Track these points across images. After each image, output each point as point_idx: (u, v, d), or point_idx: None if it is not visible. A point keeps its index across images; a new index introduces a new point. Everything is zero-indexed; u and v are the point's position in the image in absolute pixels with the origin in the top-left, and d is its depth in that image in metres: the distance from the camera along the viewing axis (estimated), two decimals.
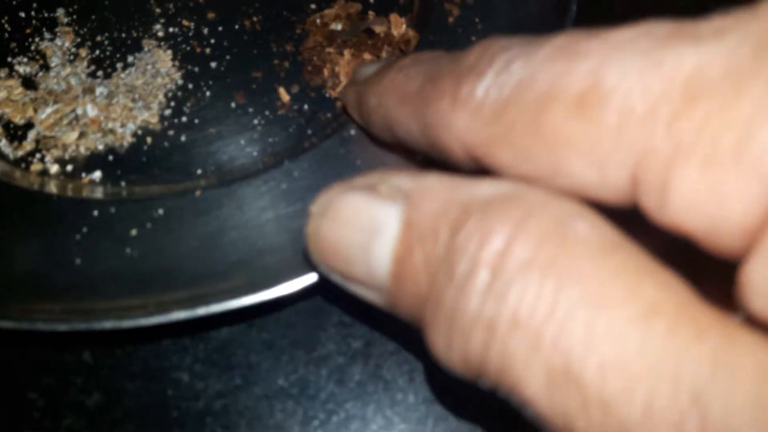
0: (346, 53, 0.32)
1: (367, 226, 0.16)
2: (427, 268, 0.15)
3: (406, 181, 0.16)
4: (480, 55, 0.17)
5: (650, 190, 0.13)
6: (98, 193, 0.28)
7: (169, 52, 0.32)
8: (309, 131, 0.30)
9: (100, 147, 0.29)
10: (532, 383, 0.13)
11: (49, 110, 0.30)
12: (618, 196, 0.14)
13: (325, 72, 0.32)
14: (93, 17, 0.33)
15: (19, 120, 0.30)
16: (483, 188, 0.15)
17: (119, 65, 0.32)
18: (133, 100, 0.30)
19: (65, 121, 0.29)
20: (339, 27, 0.33)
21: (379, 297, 0.17)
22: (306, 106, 0.31)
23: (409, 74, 0.20)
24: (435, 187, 0.15)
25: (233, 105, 0.31)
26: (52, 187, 0.28)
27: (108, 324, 0.22)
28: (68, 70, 0.31)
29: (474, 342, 0.14)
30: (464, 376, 0.15)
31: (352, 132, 0.28)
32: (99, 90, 0.30)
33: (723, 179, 0.12)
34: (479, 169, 0.18)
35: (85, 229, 0.26)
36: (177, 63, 0.32)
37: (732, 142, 0.12)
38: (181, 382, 0.27)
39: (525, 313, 0.13)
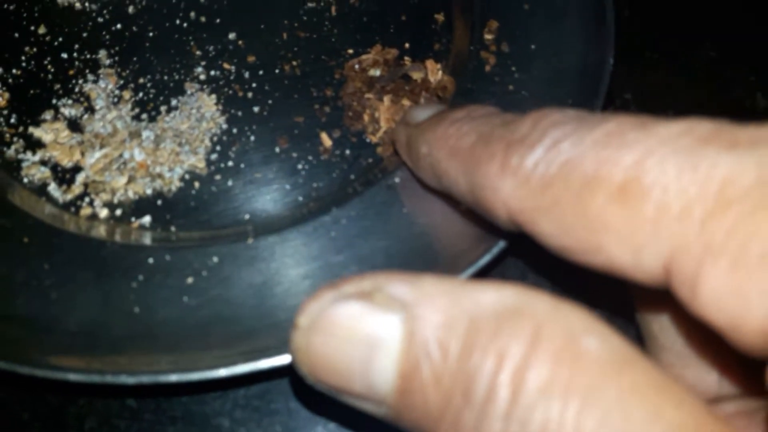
0: (386, 99, 0.32)
1: (365, 340, 0.15)
2: (438, 385, 0.14)
3: (403, 288, 0.15)
4: (532, 126, 0.18)
5: (682, 282, 0.14)
6: (147, 238, 0.29)
7: (213, 96, 0.33)
8: (352, 176, 0.31)
9: (149, 191, 0.30)
10: None
11: (97, 154, 0.30)
12: (651, 279, 0.15)
13: (365, 117, 0.32)
14: (134, 59, 0.34)
15: (66, 163, 0.31)
16: (487, 297, 0.15)
17: (163, 108, 0.32)
18: (180, 145, 0.31)
19: (114, 166, 0.30)
20: (377, 73, 0.33)
21: (379, 410, 0.16)
22: (348, 151, 0.31)
23: (461, 130, 0.21)
24: (435, 295, 0.15)
25: (277, 149, 0.31)
26: (102, 232, 0.28)
27: (173, 377, 0.22)
28: (113, 113, 0.32)
29: None
30: None
31: (397, 180, 0.29)
32: (145, 134, 0.31)
33: (749, 282, 0.13)
34: (518, 230, 0.19)
35: (141, 277, 0.26)
36: (220, 107, 0.32)
37: (759, 247, 0.13)
38: (222, 428, 0.28)
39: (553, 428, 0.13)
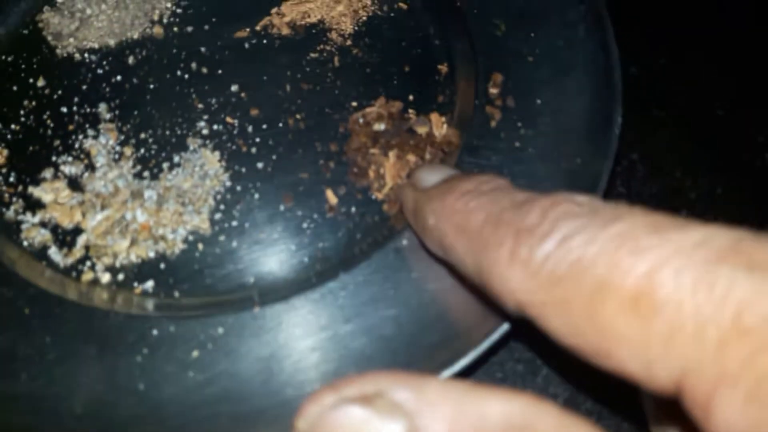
0: (391, 155, 0.32)
1: None
2: None
3: (406, 394, 0.15)
4: (542, 215, 0.18)
5: (694, 403, 0.14)
6: (150, 305, 0.28)
7: (217, 152, 0.32)
8: (358, 235, 0.30)
9: (151, 254, 0.29)
10: None
11: (99, 217, 0.30)
12: (662, 390, 0.15)
13: (371, 173, 0.32)
14: (135, 113, 0.33)
15: (67, 224, 0.30)
16: (494, 409, 0.15)
17: (165, 165, 0.32)
18: (183, 204, 0.30)
19: (116, 229, 0.29)
20: (381, 127, 0.33)
21: None
22: (353, 209, 0.31)
23: (469, 206, 0.21)
24: (440, 403, 0.15)
25: (282, 207, 0.31)
26: (105, 299, 0.28)
27: None
28: (115, 171, 0.31)
29: None
30: None
31: (404, 242, 0.29)
32: (147, 193, 0.31)
33: (765, 418, 0.13)
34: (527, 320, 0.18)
35: (145, 350, 0.26)
36: (224, 163, 0.32)
37: None
38: None
39: None
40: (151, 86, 0.34)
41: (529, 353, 0.30)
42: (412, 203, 0.25)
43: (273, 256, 0.30)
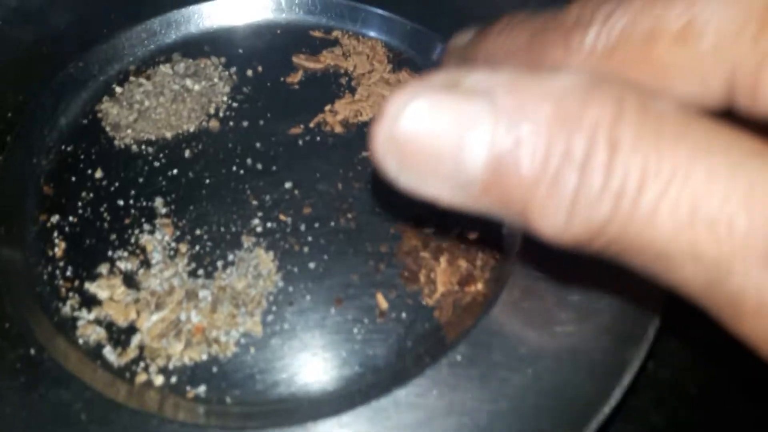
0: (442, 260, 0.32)
1: (457, 122, 0.16)
2: (535, 155, 0.16)
3: (484, 78, 0.17)
4: (581, 11, 0.20)
5: (743, 91, 0.16)
6: (201, 410, 0.28)
7: (270, 252, 0.32)
8: (409, 343, 0.30)
9: (204, 357, 0.30)
10: (662, 229, 0.15)
11: (154, 318, 0.30)
12: (716, 100, 0.17)
13: (422, 278, 0.32)
14: (191, 208, 0.34)
15: (122, 322, 0.30)
16: (567, 78, 0.16)
17: (219, 263, 0.32)
18: (237, 306, 0.31)
19: (172, 331, 0.30)
20: (433, 230, 0.33)
21: (461, 192, 0.17)
22: (404, 314, 0.31)
23: (512, 34, 0.22)
24: (516, 81, 0.16)
25: (332, 310, 0.31)
26: (157, 404, 0.28)
27: None
28: (170, 270, 0.32)
29: (601, 210, 0.15)
30: (576, 244, 0.16)
31: (458, 358, 0.29)
32: (202, 294, 0.31)
33: None
34: None
35: None
36: (277, 263, 0.32)
37: None
38: None
39: (650, 177, 0.15)
40: (207, 181, 0.35)
41: None
42: (457, 63, 0.26)
43: (323, 361, 0.30)
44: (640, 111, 0.15)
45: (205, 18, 0.41)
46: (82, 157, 0.36)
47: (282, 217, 0.34)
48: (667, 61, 0.18)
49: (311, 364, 0.30)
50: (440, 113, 0.16)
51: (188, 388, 0.29)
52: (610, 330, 0.28)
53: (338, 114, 0.37)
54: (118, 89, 0.38)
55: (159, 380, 0.29)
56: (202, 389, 0.29)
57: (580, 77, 0.16)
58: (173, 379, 0.29)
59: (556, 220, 0.16)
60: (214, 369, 0.29)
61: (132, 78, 0.38)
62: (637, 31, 0.18)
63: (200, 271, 0.32)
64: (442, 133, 0.16)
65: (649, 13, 0.18)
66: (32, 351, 0.28)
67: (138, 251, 0.32)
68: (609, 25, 0.19)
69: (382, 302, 0.32)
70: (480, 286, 0.32)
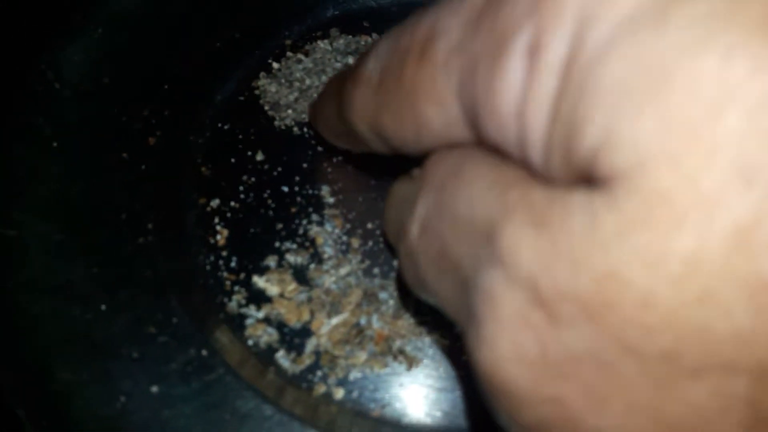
0: None
1: None
2: None
3: None
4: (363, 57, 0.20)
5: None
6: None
7: None
8: None
9: (387, 369, 0.26)
10: None
11: (334, 321, 0.27)
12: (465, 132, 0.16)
13: None
14: (360, 199, 0.31)
15: (294, 323, 0.27)
16: None
17: (395, 262, 0.29)
18: (422, 313, 0.27)
19: (355, 339, 0.26)
20: None
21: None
22: None
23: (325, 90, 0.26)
24: None
25: None
26: (339, 423, 0.25)
27: None
28: (345, 267, 0.28)
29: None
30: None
31: None
32: (382, 296, 0.27)
33: None
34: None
35: None
36: None
37: None
38: None
39: None
40: (374, 169, 0.31)
41: None
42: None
43: None
44: None
45: None
46: (241, 137, 0.32)
47: None
48: (414, 82, 0.17)
49: None
50: None
51: (372, 405, 0.25)
52: None
53: None
54: (276, 65, 0.35)
55: (339, 394, 0.26)
56: (388, 409, 0.25)
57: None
58: (354, 394, 0.26)
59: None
60: (399, 384, 0.26)
61: (289, 53, 0.35)
62: (396, 55, 0.18)
63: (375, 270, 0.28)
64: None
65: (404, 35, 0.18)
66: (204, 353, 0.25)
67: (307, 244, 0.29)
68: (379, 56, 0.19)
69: None
70: None
